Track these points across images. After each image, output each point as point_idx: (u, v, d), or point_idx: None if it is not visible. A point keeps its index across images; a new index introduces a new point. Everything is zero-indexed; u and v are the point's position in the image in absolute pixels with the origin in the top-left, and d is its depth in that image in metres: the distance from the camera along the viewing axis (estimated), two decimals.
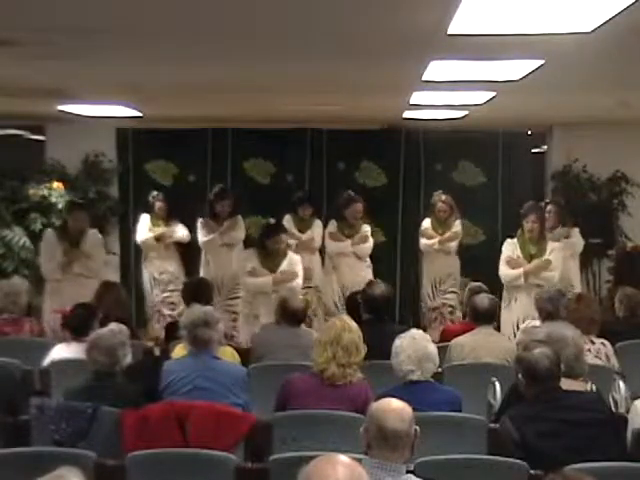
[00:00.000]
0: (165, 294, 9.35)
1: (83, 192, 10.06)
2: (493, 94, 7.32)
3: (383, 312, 6.21)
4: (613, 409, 5.09)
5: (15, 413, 4.85)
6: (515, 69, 5.80)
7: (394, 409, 3.36)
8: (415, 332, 4.82)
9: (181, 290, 7.28)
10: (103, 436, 4.43)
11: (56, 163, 10.24)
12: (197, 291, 6.58)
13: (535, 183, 10.74)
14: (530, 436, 4.05)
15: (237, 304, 8.43)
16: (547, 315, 6.26)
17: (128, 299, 7.77)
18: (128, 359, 4.88)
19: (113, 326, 4.97)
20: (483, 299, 6.17)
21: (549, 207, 8.83)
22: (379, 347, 5.04)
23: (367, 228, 9.16)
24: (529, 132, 11.10)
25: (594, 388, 4.69)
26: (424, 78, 6.13)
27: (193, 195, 10.11)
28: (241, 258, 8.08)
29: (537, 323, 6.44)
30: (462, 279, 9.68)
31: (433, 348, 4.75)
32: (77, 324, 5.90)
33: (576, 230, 8.90)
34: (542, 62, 5.47)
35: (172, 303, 9.33)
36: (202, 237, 9.03)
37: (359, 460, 2.71)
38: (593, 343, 5.87)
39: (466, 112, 8.89)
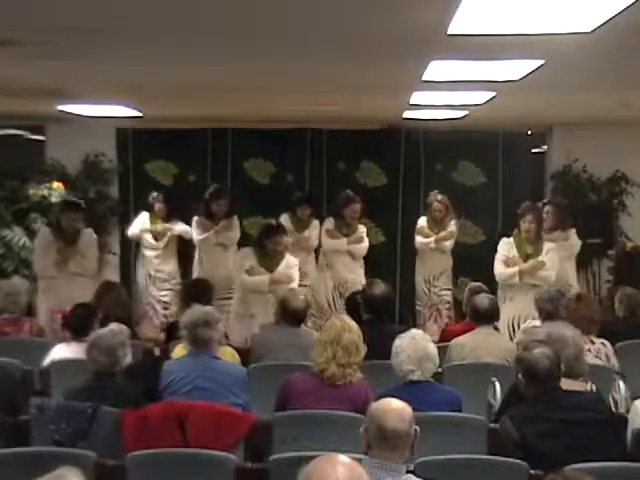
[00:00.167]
0: (161, 292, 9.36)
1: (83, 192, 10.06)
2: (493, 94, 7.32)
3: (383, 312, 6.21)
4: (613, 409, 5.09)
5: (15, 413, 4.84)
6: (515, 69, 5.80)
7: (394, 409, 3.36)
8: (415, 332, 4.83)
9: (180, 290, 7.27)
10: (103, 436, 4.43)
11: (56, 163, 10.24)
12: (198, 291, 6.58)
13: (535, 183, 10.74)
14: (530, 436, 4.05)
15: (229, 304, 8.40)
16: (547, 315, 6.26)
17: (128, 299, 7.76)
18: (128, 359, 4.88)
19: (113, 326, 4.97)
20: (483, 299, 6.17)
21: (547, 207, 8.82)
22: (379, 347, 5.04)
23: (363, 229, 9.20)
24: (529, 132, 11.10)
25: (594, 388, 4.69)
26: (424, 78, 6.13)
27: (193, 195, 10.08)
28: (239, 256, 8.05)
29: (537, 323, 6.44)
30: (462, 279, 9.71)
31: (433, 348, 4.75)
32: (77, 324, 5.90)
33: (572, 231, 8.89)
34: (542, 62, 5.47)
35: (165, 302, 9.35)
36: (197, 235, 9.02)
37: (359, 460, 2.71)
38: (593, 343, 5.87)
39: (466, 112, 8.89)
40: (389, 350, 4.75)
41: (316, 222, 9.27)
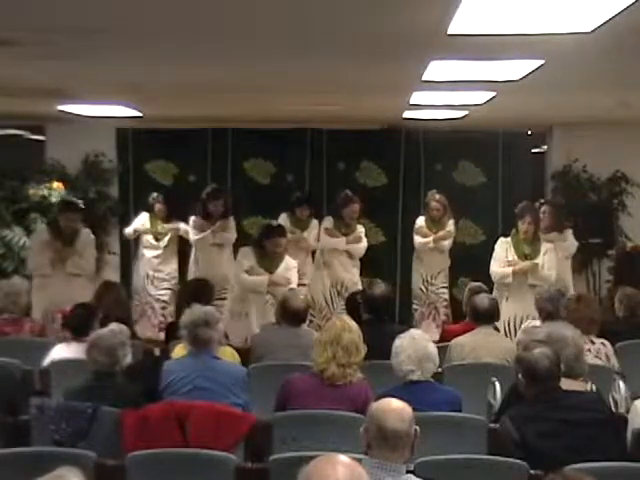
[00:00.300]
0: (160, 292, 9.37)
1: (83, 192, 10.07)
2: (493, 94, 7.32)
3: (383, 312, 6.21)
4: (613, 409, 5.09)
5: (15, 413, 4.84)
6: (515, 69, 5.80)
7: (394, 409, 3.36)
8: (415, 332, 4.83)
9: (179, 290, 7.26)
10: (103, 436, 4.43)
11: (56, 163, 10.25)
12: (198, 291, 6.57)
13: (535, 183, 10.75)
14: (530, 436, 4.05)
15: (224, 305, 8.39)
16: (547, 315, 6.26)
17: (128, 299, 7.76)
18: (128, 359, 4.88)
19: (113, 326, 4.97)
20: (483, 299, 6.17)
21: (544, 208, 8.80)
22: (379, 347, 5.04)
23: (362, 229, 9.20)
24: (529, 132, 11.11)
25: (594, 388, 4.69)
26: (424, 78, 6.14)
27: (193, 195, 10.07)
28: (239, 255, 8.04)
29: (537, 323, 6.44)
30: (462, 279, 9.72)
31: (433, 348, 4.74)
32: (77, 324, 5.89)
33: (569, 232, 8.88)
34: (542, 62, 5.47)
35: (164, 302, 9.35)
36: (194, 235, 9.01)
37: (359, 460, 2.71)
38: (593, 343, 5.86)
39: (466, 112, 8.89)
40: (389, 350, 4.75)
41: (315, 222, 9.28)
